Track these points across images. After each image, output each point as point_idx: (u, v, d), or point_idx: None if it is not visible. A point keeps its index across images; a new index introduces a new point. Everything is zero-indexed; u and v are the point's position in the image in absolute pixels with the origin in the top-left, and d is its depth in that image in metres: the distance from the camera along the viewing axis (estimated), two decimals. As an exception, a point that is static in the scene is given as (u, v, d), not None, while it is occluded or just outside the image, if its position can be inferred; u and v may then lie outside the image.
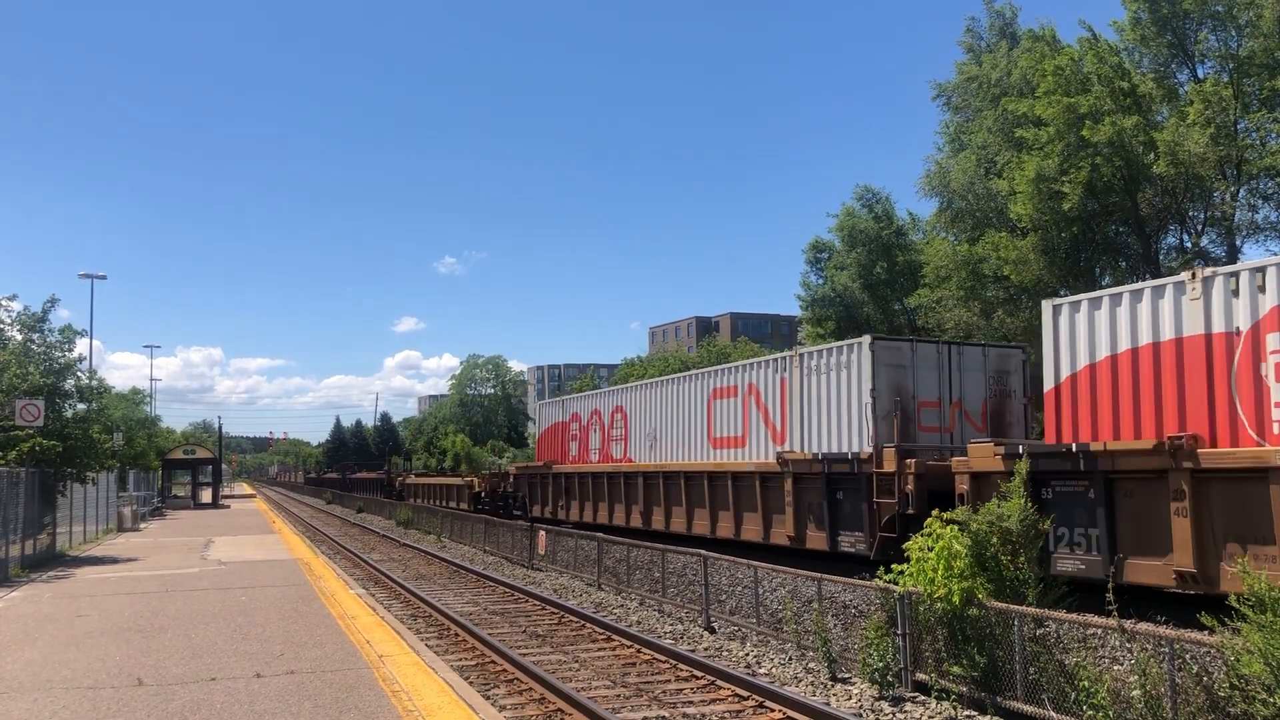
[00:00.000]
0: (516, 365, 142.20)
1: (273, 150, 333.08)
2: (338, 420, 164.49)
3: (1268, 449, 11.90)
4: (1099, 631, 10.06)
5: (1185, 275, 13.46)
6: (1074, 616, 9.88)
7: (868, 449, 18.85)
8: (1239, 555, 11.46)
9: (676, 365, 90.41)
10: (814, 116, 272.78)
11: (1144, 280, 31.32)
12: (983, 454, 15.44)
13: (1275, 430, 12.09)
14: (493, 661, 13.52)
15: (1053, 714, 9.32)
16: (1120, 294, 14.35)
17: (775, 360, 22.78)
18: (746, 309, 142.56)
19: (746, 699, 11.04)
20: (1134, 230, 30.04)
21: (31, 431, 23.99)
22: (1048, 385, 15.20)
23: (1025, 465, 12.44)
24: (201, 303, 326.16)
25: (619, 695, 11.58)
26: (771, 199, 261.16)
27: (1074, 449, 14.03)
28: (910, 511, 17.24)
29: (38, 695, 9.74)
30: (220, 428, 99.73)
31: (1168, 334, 13.52)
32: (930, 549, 11.11)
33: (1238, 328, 12.67)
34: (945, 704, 10.49)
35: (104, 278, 56.02)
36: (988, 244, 31.83)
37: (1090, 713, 8.91)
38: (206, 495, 62.45)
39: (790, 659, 13.47)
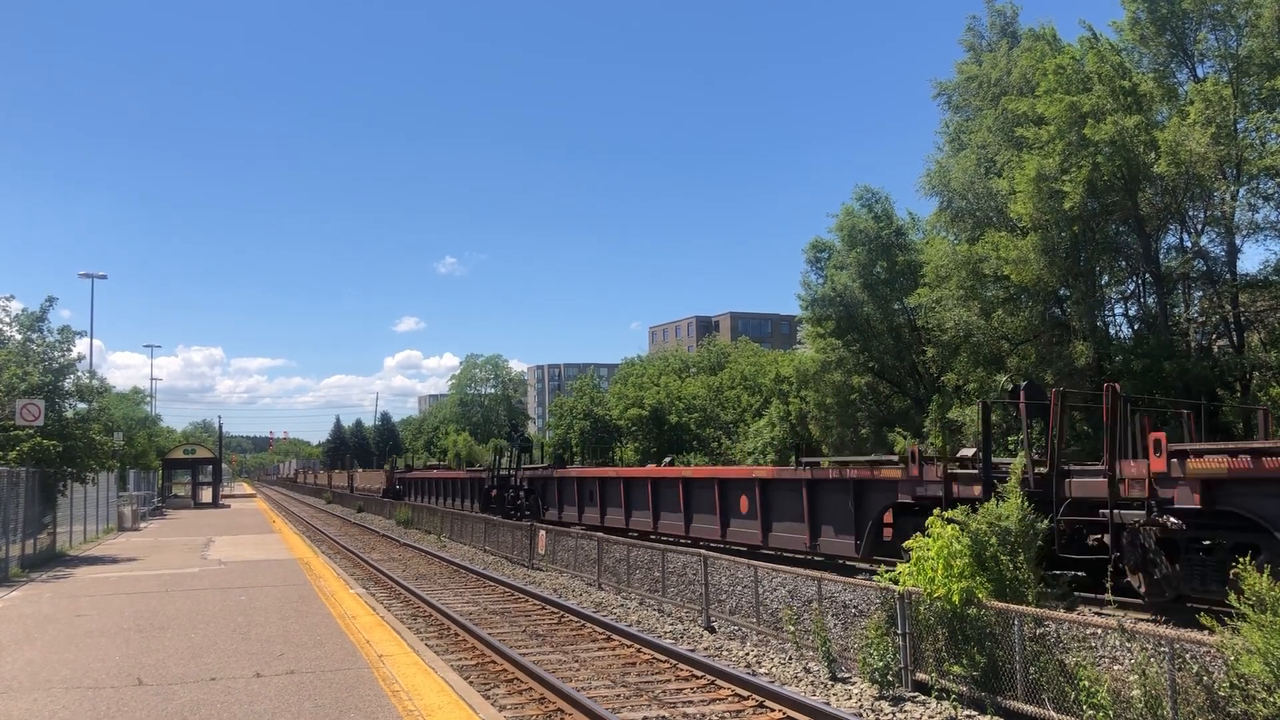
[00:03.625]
0: (517, 365, 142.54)
1: (273, 150, 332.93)
2: (338, 420, 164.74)
3: None
4: (1099, 631, 10.06)
5: None
6: (1074, 616, 9.89)
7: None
8: None
9: (676, 365, 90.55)
10: (814, 116, 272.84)
11: (1144, 281, 31.52)
12: None
13: None
14: (493, 661, 13.52)
15: (1053, 714, 9.32)
16: None
17: None
18: (747, 309, 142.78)
19: (746, 699, 11.04)
20: (1134, 230, 30.02)
21: (32, 431, 23.99)
22: None
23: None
24: (202, 303, 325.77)
25: (619, 695, 11.59)
26: (772, 199, 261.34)
27: None
28: None
29: (37, 695, 9.74)
30: (220, 427, 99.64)
31: None
32: (930, 548, 11.11)
33: None
34: (945, 704, 10.49)
35: (104, 277, 56.17)
36: (988, 244, 31.81)
37: (1090, 713, 8.91)
38: (206, 495, 62.41)
39: (790, 659, 13.47)
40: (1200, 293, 30.72)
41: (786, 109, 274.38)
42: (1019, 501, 11.14)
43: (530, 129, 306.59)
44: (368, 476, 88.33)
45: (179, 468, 63.83)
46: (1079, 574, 14.59)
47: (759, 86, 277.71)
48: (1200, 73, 29.76)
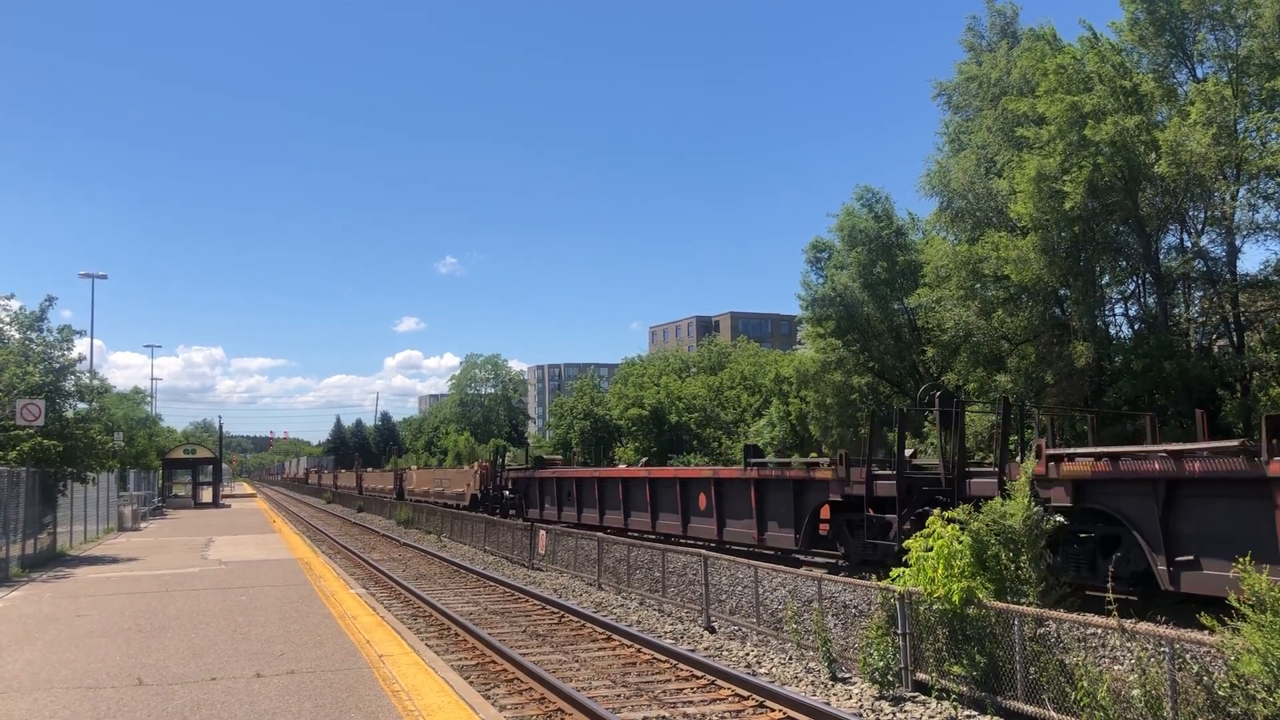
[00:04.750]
0: (517, 365, 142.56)
1: (274, 150, 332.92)
2: (338, 420, 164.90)
3: None
4: (1099, 631, 10.06)
5: None
6: (1074, 616, 9.88)
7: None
8: None
9: (677, 365, 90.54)
10: (814, 116, 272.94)
11: (1144, 281, 31.48)
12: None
13: None
14: (493, 661, 13.53)
15: (1053, 714, 9.32)
16: None
17: None
18: (747, 308, 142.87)
19: (746, 699, 11.05)
20: (1134, 230, 30.01)
21: (32, 431, 23.99)
22: None
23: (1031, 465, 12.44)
24: (202, 303, 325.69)
25: (619, 695, 11.59)
26: (772, 199, 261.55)
27: None
28: None
29: (38, 695, 9.75)
30: (221, 427, 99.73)
31: None
32: (930, 548, 11.10)
33: None
34: (945, 704, 10.50)
35: (105, 277, 56.24)
36: (988, 244, 31.80)
37: (1090, 713, 8.91)
38: (207, 495, 62.45)
39: (790, 659, 13.47)
40: (1200, 293, 30.72)
41: (786, 109, 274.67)
42: (1026, 502, 11.09)
43: (530, 129, 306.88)
44: (431, 477, 58.00)
45: (179, 468, 63.85)
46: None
47: (759, 86, 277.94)
48: (1200, 73, 29.75)
